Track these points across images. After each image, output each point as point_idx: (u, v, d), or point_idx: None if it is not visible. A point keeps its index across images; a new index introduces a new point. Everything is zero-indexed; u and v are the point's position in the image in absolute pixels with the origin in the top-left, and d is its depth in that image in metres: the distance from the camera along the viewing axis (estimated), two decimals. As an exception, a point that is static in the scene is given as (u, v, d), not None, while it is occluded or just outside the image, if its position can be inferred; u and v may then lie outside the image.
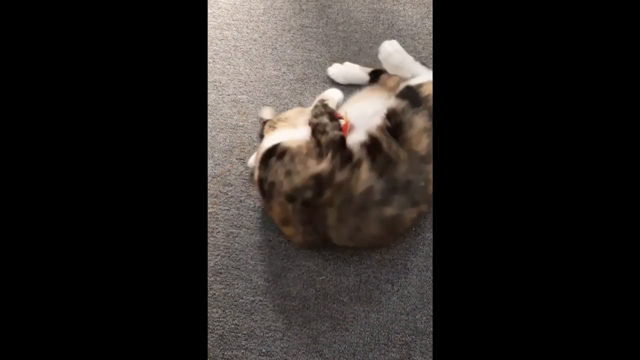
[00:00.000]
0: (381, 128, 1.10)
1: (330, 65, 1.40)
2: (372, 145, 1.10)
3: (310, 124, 1.14)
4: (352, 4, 1.49)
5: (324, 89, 1.39)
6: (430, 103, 1.09)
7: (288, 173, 1.09)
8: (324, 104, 1.18)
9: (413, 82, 1.15)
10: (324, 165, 1.08)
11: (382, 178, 1.07)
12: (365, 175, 1.07)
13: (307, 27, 1.47)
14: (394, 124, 1.09)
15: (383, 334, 1.18)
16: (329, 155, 1.09)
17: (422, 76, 1.18)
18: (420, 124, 1.08)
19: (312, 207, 1.09)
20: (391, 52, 1.17)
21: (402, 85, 1.15)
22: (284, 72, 1.42)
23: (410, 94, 1.11)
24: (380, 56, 1.19)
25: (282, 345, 1.18)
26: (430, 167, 1.07)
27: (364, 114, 1.18)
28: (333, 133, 1.11)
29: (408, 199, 1.08)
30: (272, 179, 1.11)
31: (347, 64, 1.38)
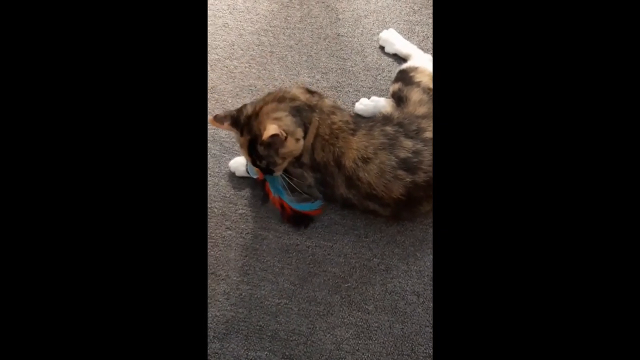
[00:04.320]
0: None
1: (359, 98, 1.40)
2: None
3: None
4: (388, 15, 1.50)
5: (357, 97, 1.41)
6: (423, 86, 1.26)
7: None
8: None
9: (405, 65, 1.35)
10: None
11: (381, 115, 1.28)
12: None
13: (342, 36, 1.49)
14: (397, 100, 1.28)
15: (407, 345, 1.17)
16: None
17: (414, 59, 1.39)
18: (416, 96, 1.24)
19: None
20: (388, 36, 1.46)
21: (397, 71, 1.36)
22: (318, 80, 1.44)
23: (403, 77, 1.30)
24: (380, 41, 1.47)
25: (305, 350, 1.19)
26: (423, 121, 1.19)
27: None
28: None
29: (402, 130, 1.18)
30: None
31: (374, 98, 1.38)
